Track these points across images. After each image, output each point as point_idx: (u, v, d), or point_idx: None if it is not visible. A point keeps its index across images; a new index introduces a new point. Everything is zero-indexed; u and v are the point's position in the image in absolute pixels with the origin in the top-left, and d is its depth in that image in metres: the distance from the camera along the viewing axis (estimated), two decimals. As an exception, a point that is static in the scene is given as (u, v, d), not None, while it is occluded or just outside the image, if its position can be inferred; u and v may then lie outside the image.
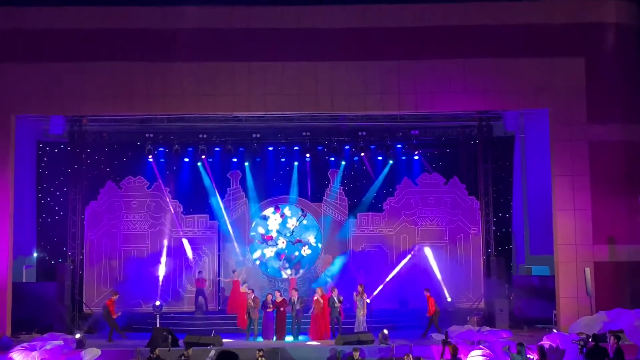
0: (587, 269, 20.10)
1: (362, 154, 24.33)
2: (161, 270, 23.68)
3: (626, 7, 21.24)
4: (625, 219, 20.70)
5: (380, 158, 24.83)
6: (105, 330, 21.10)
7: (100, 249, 24.10)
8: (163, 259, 23.88)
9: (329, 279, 23.87)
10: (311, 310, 20.75)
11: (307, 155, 24.38)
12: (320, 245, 24.87)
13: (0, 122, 20.65)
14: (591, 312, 19.52)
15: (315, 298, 20.62)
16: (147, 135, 23.46)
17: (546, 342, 17.34)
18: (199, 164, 24.34)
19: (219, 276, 24.36)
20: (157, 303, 22.21)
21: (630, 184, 20.81)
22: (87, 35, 20.68)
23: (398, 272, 24.20)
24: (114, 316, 20.81)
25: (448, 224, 24.58)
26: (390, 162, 24.65)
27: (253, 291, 21.26)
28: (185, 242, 24.14)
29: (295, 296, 20.78)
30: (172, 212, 24.33)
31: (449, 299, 23.57)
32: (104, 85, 20.57)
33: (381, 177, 24.93)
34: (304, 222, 25.16)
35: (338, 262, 24.37)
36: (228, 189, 24.70)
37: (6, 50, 20.61)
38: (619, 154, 20.84)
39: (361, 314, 20.48)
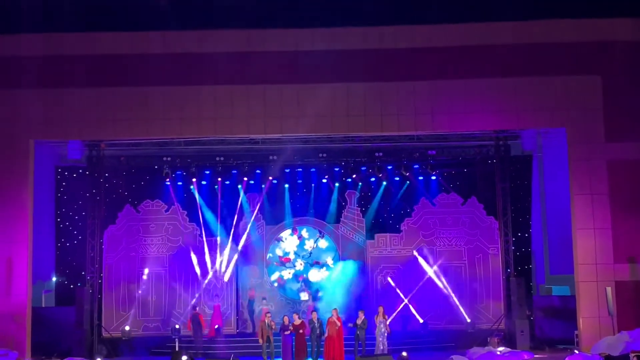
0: (609, 289, 19.90)
1: (380, 175, 24.30)
2: (180, 294, 23.68)
3: (641, 24, 21.18)
4: (646, 238, 20.50)
5: (397, 179, 24.79)
6: (125, 355, 21.12)
7: (118, 272, 24.18)
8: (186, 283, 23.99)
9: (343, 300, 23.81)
10: (325, 332, 20.56)
11: (326, 177, 24.39)
12: (337, 266, 24.77)
13: (19, 148, 20.81)
14: (613, 332, 19.31)
15: (330, 319, 20.49)
16: (164, 158, 23.59)
17: (569, 364, 17.15)
18: (216, 186, 24.40)
19: (237, 299, 24.31)
20: (177, 326, 22.19)
21: (650, 203, 20.62)
22: (104, 61, 20.85)
23: (417, 293, 24.06)
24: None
25: (466, 244, 24.46)
26: (408, 182, 24.61)
27: (270, 313, 21.19)
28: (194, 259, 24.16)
29: (315, 317, 20.68)
30: (190, 235, 24.36)
31: (468, 320, 23.40)
32: (121, 110, 20.70)
33: (398, 198, 24.86)
34: (322, 243, 25.11)
35: (355, 283, 24.23)
36: (245, 211, 24.71)
37: (25, 76, 20.78)
38: (638, 171, 20.66)
39: (381, 335, 20.32)
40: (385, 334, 20.32)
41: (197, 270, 24.19)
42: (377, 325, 20.41)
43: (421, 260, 24.32)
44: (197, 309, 23.37)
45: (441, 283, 24.00)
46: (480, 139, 23.25)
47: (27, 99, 20.76)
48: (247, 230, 24.63)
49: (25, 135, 20.88)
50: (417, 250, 24.43)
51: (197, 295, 24.13)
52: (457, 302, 23.71)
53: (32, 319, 20.75)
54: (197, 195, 24.45)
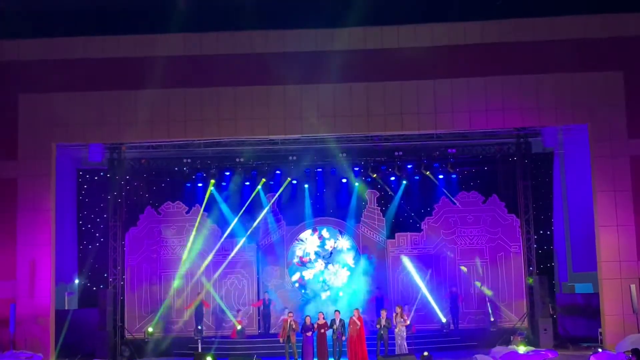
0: (633, 286, 19.73)
1: (400, 174, 24.23)
2: (201, 295, 23.75)
3: (662, 19, 20.97)
4: (669, 234, 20.31)
5: (417, 177, 24.71)
6: (148, 357, 21.22)
7: (140, 274, 24.29)
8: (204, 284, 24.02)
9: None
10: (347, 331, 20.52)
11: (347, 176, 24.38)
12: (358, 266, 24.74)
13: (42, 151, 20.96)
14: (638, 330, 19.18)
15: (352, 319, 20.45)
16: (184, 160, 23.68)
17: (594, 362, 17.02)
18: (236, 187, 24.44)
19: (258, 299, 24.35)
20: (199, 327, 22.25)
21: (673, 199, 20.42)
22: (125, 64, 20.95)
23: (439, 292, 24.00)
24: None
25: (488, 243, 24.35)
26: (428, 181, 24.51)
27: (292, 313, 21.20)
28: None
29: (337, 317, 20.66)
30: (212, 236, 24.43)
31: (492, 319, 23.30)
32: (142, 112, 20.78)
33: (418, 197, 24.77)
34: (342, 243, 25.09)
35: (376, 283, 24.20)
36: (266, 211, 24.72)
37: (46, 80, 20.94)
38: (661, 168, 20.48)
39: (401, 335, 20.28)
40: (404, 334, 20.27)
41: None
42: (396, 325, 20.36)
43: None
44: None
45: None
46: (500, 137, 23.13)
47: (49, 103, 20.91)
48: (265, 231, 24.64)
49: (48, 139, 21.03)
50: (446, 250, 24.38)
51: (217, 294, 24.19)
52: (488, 303, 23.60)
53: (55, 321, 20.90)
54: (217, 196, 24.49)
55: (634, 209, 20.40)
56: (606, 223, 20.50)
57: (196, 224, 24.20)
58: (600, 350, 18.94)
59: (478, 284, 24.05)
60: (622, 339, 18.97)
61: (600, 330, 20.63)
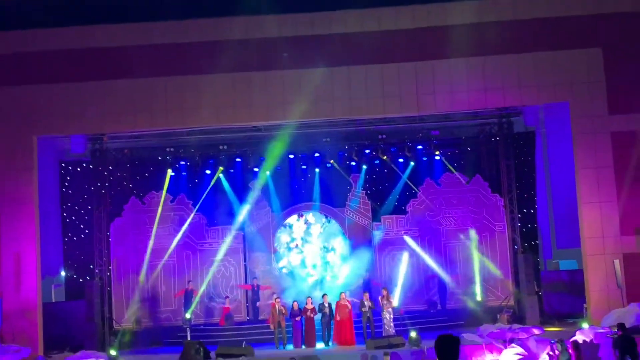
0: (617, 261, 19.91)
1: (384, 157, 24.27)
2: (191, 283, 23.74)
3: (642, -4, 21.08)
4: (652, 209, 20.48)
5: (401, 160, 24.77)
6: (137, 347, 21.26)
7: (127, 264, 24.22)
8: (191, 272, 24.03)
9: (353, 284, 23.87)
10: (335, 316, 20.62)
11: (331, 161, 24.41)
12: (345, 250, 24.83)
13: (23, 143, 20.81)
14: (622, 305, 19.34)
15: (340, 303, 20.56)
16: (167, 149, 23.61)
17: (579, 337, 17.19)
18: (221, 175, 24.41)
19: (240, 285, 24.38)
20: (187, 316, 22.29)
21: (655, 173, 20.59)
22: (105, 54, 20.82)
23: (425, 274, 24.14)
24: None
25: (473, 223, 24.46)
26: (412, 163, 24.61)
27: (280, 300, 21.27)
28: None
29: (326, 301, 20.76)
30: (197, 224, 24.41)
31: (479, 298, 23.48)
32: (124, 102, 20.69)
33: (403, 179, 24.86)
34: (329, 228, 25.15)
35: (363, 266, 24.29)
36: (251, 198, 24.70)
37: (25, 72, 20.79)
38: (642, 143, 20.62)
39: (387, 317, 20.41)
40: (391, 316, 20.40)
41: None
42: (383, 307, 20.48)
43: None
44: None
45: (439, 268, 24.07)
46: (482, 117, 23.24)
47: (29, 95, 20.75)
48: (251, 217, 24.64)
49: (29, 131, 20.88)
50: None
51: (206, 281, 24.18)
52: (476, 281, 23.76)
53: (43, 314, 20.84)
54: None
55: (616, 184, 20.53)
56: (589, 200, 20.65)
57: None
58: (586, 325, 19.16)
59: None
60: (607, 313, 19.13)
61: (585, 305, 20.83)
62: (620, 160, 20.56)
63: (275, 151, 22.99)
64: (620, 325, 15.73)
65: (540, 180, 24.89)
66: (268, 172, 24.42)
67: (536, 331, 18.50)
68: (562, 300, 23.11)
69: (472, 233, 24.06)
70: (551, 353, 16.23)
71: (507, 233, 23.71)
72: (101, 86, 20.72)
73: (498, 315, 21.73)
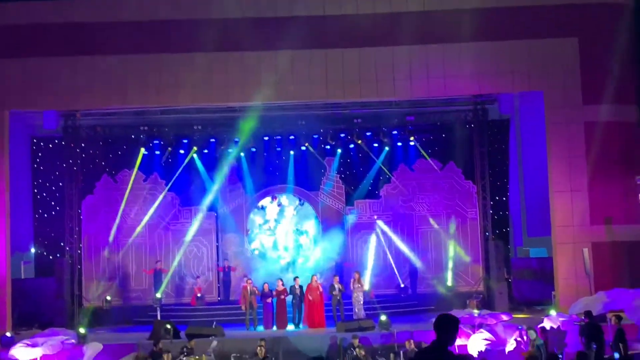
0: (586, 250, 20.10)
1: (359, 141, 24.28)
2: (160, 263, 23.65)
3: (619, -13, 21.20)
4: (622, 199, 20.73)
5: (376, 145, 24.79)
6: (106, 325, 21.16)
7: (97, 242, 24.03)
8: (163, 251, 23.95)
9: (326, 266, 23.94)
10: (305, 298, 20.67)
11: (305, 144, 24.36)
12: (318, 233, 24.86)
13: (-6, 119, 20.55)
14: (590, 293, 19.50)
15: (311, 285, 20.62)
16: (141, 128, 23.41)
17: (547, 324, 17.40)
18: (195, 155, 24.27)
19: (218, 266, 24.35)
20: (158, 295, 22.22)
21: (626, 164, 20.81)
22: (79, 29, 20.51)
23: (396, 258, 24.26)
24: None
25: (445, 209, 24.59)
26: (387, 148, 24.65)
27: (251, 281, 21.27)
28: None
29: (297, 284, 20.80)
30: (169, 204, 24.28)
31: (449, 283, 23.68)
32: (98, 79, 20.43)
33: (377, 164, 24.90)
34: (302, 210, 25.15)
35: (335, 249, 24.35)
36: (224, 179, 24.59)
37: (-2, 46, 20.49)
38: (615, 134, 20.76)
39: (358, 300, 20.51)
40: (362, 299, 20.51)
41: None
42: (353, 290, 20.58)
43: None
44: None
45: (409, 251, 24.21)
46: (458, 104, 23.33)
47: (1, 69, 20.43)
48: (224, 198, 24.56)
49: (0, 105, 20.57)
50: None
51: (177, 260, 24.09)
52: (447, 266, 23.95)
53: (12, 290, 20.64)
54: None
55: (588, 174, 20.70)
56: (560, 188, 20.83)
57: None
58: (553, 312, 19.39)
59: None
60: (575, 301, 19.34)
61: (553, 293, 21.07)
62: (592, 151, 20.71)
63: (246, 129, 22.78)
64: (587, 313, 15.94)
65: (513, 168, 25.05)
66: (242, 154, 24.32)
67: (505, 317, 18.69)
68: (531, 287, 23.37)
69: (452, 227, 24.16)
70: (519, 339, 16.43)
71: (479, 220, 23.88)
72: (75, 62, 20.43)
73: (467, 301, 21.93)
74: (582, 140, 20.68)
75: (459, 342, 17.23)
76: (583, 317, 16.21)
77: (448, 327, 6.20)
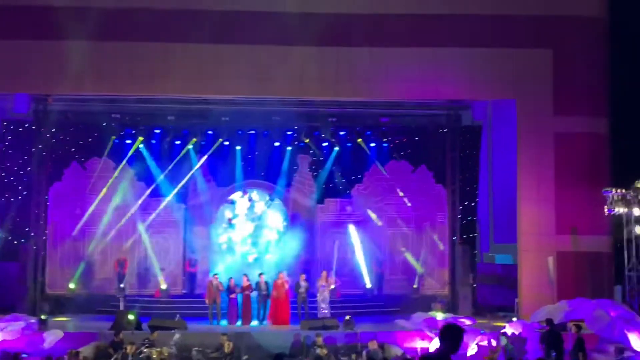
0: (550, 258, 20.32)
1: (333, 140, 24.29)
2: (126, 253, 23.46)
3: (594, 0, 21.40)
4: (588, 210, 20.89)
5: (349, 144, 24.83)
6: (69, 313, 20.97)
7: (64, 230, 23.79)
8: (128, 241, 23.74)
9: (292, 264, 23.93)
10: (271, 294, 20.65)
11: (279, 140, 24.31)
12: (286, 230, 24.83)
13: (-36, 100, 20.24)
14: (553, 301, 19.72)
15: (277, 282, 20.60)
16: (113, 116, 23.18)
17: (509, 329, 17.56)
18: (166, 146, 24.11)
19: (184, 260, 24.22)
20: (122, 286, 22.04)
21: (594, 176, 20.98)
22: (55, 13, 20.19)
23: (364, 258, 24.31)
24: None
25: (415, 211, 24.70)
26: (360, 149, 24.67)
27: (217, 275, 21.21)
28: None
29: (262, 280, 20.78)
30: (138, 194, 24.08)
31: (414, 286, 23.79)
32: (70, 64, 20.10)
33: (349, 164, 24.91)
34: (272, 206, 25.11)
35: (303, 247, 24.34)
36: (195, 172, 24.46)
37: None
38: (584, 146, 20.97)
39: (324, 299, 20.53)
40: (328, 299, 20.54)
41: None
42: (319, 289, 20.60)
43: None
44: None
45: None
46: (432, 108, 23.42)
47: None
48: (194, 191, 24.43)
49: (-30, 87, 20.28)
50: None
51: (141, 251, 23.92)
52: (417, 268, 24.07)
53: (-27, 274, 20.38)
54: (145, 153, 24.08)
55: (555, 184, 20.87)
56: (528, 196, 20.99)
57: (113, 179, 23.66)
58: (515, 319, 19.58)
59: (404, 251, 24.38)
60: (537, 309, 19.54)
61: (517, 300, 21.25)
62: (561, 161, 20.90)
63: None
64: (549, 321, 16.13)
65: (483, 174, 25.23)
66: (215, 146, 24.19)
67: (467, 322, 18.86)
68: (495, 293, 23.54)
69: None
70: (481, 344, 16.56)
71: (448, 224, 24.01)
72: (49, 46, 20.12)
73: (432, 304, 22.02)
74: (552, 150, 20.86)
75: (421, 344, 17.40)
76: (544, 325, 16.40)
77: (452, 337, 6.40)
